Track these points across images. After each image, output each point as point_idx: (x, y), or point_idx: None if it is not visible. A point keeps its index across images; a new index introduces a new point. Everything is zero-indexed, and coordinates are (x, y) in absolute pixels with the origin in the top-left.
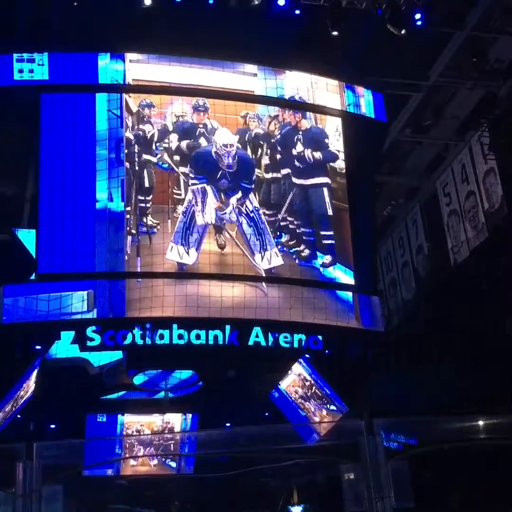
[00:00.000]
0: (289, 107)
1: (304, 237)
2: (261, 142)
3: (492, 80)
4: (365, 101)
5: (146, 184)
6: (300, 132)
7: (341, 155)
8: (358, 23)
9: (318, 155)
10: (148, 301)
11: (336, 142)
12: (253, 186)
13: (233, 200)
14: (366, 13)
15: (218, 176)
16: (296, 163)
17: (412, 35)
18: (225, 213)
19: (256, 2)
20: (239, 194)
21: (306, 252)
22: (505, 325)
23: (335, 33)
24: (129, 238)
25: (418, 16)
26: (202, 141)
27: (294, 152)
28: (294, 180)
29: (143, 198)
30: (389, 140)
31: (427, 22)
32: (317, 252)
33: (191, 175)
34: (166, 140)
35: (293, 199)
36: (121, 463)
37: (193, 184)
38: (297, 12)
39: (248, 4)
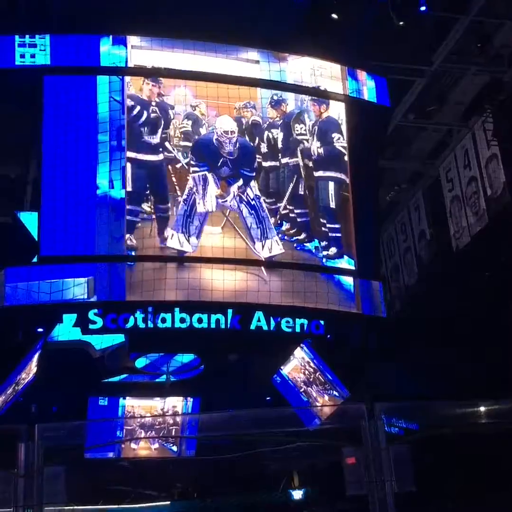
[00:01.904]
0: (292, 91)
1: (321, 228)
2: (259, 130)
3: (497, 66)
4: (368, 88)
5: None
6: (319, 122)
7: (344, 143)
8: (362, 7)
9: (322, 150)
10: (150, 285)
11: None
12: (254, 174)
13: (234, 187)
14: None
15: (219, 163)
16: (309, 153)
17: (416, 20)
18: (226, 200)
19: None
20: (240, 182)
21: (308, 240)
22: (507, 310)
23: (335, 16)
24: (130, 224)
25: (421, 1)
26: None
27: (305, 142)
28: (313, 172)
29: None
30: (392, 125)
31: (431, 7)
32: (320, 242)
33: (192, 162)
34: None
35: (295, 188)
36: (122, 446)
37: (194, 172)
38: None
39: None
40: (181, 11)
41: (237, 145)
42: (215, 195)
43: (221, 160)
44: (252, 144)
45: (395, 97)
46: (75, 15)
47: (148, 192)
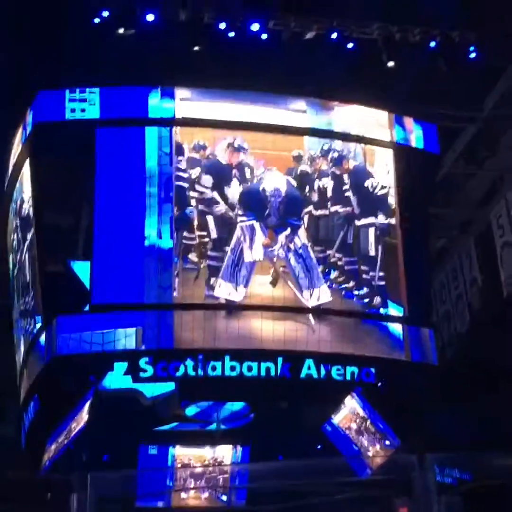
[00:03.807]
0: (339, 139)
1: (363, 276)
2: (309, 179)
3: None
4: (415, 135)
5: (195, 222)
6: (346, 175)
7: (391, 191)
8: (411, 54)
9: (358, 199)
10: (199, 335)
11: (384, 179)
12: (301, 222)
13: (282, 237)
14: (419, 45)
15: (266, 213)
16: (349, 203)
17: (466, 66)
18: (274, 250)
19: (309, 37)
20: (288, 231)
21: (357, 288)
22: None
23: (391, 63)
24: (177, 274)
25: (472, 48)
26: (234, 183)
27: (345, 194)
28: (356, 221)
29: (190, 235)
30: (443, 172)
31: (481, 55)
32: (366, 290)
33: (239, 212)
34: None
35: (344, 237)
36: (172, 495)
37: (241, 221)
38: (351, 45)
39: (301, 39)
40: (230, 63)
41: (285, 196)
42: (262, 244)
43: (267, 210)
44: (300, 193)
45: (445, 144)
46: (124, 67)
47: (204, 240)
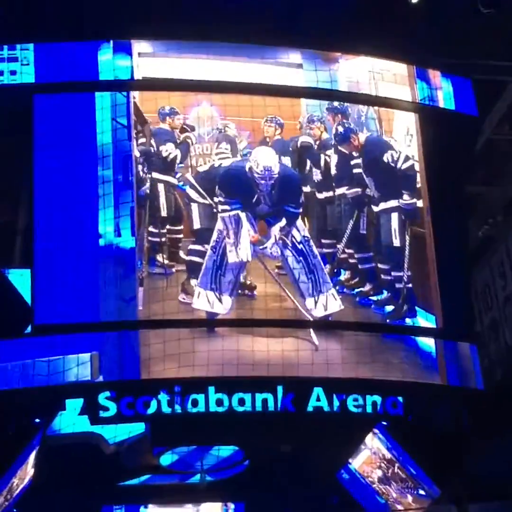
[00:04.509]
0: (345, 100)
1: (382, 276)
2: (311, 153)
3: None
4: (443, 92)
5: (163, 213)
6: (362, 151)
7: (417, 165)
8: None
9: (374, 178)
10: (173, 359)
11: (407, 149)
12: (300, 210)
13: (276, 229)
14: None
15: (255, 199)
16: (360, 182)
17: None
18: (266, 247)
19: None
20: (283, 222)
21: (375, 292)
22: None
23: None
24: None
25: None
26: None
27: (354, 170)
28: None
29: (156, 231)
30: (482, 139)
31: None
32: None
33: (220, 198)
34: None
35: (355, 226)
36: None
37: (223, 211)
38: None
39: None
40: (199, 6)
41: (279, 177)
42: (251, 240)
43: (257, 196)
44: (298, 171)
45: (484, 104)
46: (66, 17)
47: (177, 235)
